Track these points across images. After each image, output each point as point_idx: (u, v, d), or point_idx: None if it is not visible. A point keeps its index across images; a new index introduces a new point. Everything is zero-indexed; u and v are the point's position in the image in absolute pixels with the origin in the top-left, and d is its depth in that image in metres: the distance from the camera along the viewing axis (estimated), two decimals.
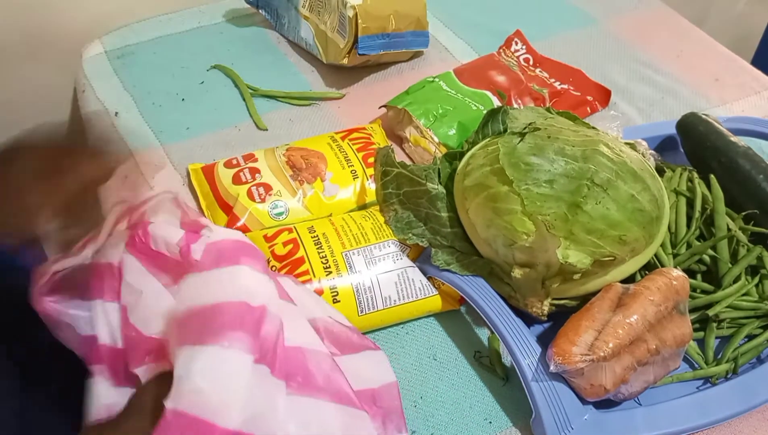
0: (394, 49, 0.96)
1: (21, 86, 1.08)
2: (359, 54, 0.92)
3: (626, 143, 0.69)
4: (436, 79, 0.92)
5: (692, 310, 0.67)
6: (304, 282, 0.64)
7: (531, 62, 1.01)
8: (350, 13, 0.90)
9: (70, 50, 1.04)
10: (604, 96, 0.97)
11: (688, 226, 0.72)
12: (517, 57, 1.02)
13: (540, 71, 1.00)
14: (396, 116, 0.89)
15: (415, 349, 0.67)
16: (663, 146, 0.88)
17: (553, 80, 0.98)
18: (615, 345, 0.56)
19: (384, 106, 0.89)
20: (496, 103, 0.90)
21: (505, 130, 0.69)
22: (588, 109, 0.95)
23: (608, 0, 1.18)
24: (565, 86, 0.97)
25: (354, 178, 0.77)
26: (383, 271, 0.66)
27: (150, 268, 0.54)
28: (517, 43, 1.04)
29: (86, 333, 0.55)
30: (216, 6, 1.12)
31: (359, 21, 0.89)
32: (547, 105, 0.91)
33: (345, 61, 0.94)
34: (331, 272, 0.65)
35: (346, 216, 0.72)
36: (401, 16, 0.95)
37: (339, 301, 0.64)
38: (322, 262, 0.66)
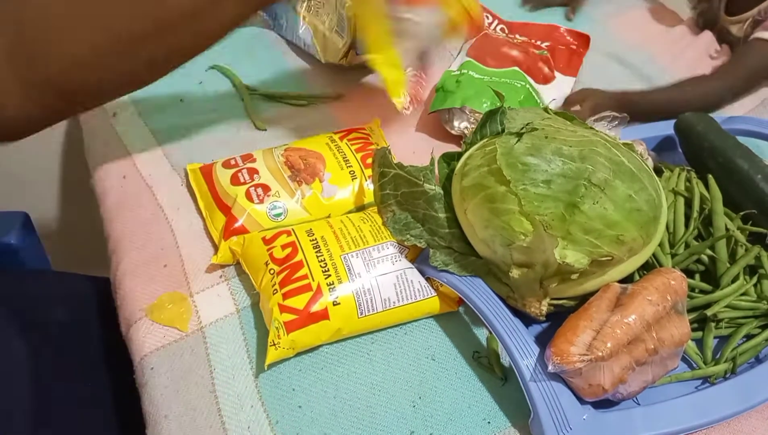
0: None
1: None
2: (358, 54, 0.92)
3: (624, 143, 0.69)
4: (464, 71, 0.91)
5: (691, 310, 0.67)
6: (303, 285, 0.64)
7: (507, 31, 1.04)
8: (349, 13, 0.90)
9: None
10: (584, 41, 1.00)
11: (687, 226, 0.72)
12: (496, 30, 1.04)
13: (520, 36, 1.02)
14: (443, 114, 0.90)
15: (413, 350, 0.67)
16: (661, 146, 0.88)
17: (538, 42, 1.00)
18: (613, 345, 0.56)
19: (432, 112, 0.89)
20: (528, 79, 0.91)
21: (503, 131, 0.69)
22: (580, 57, 0.99)
23: None
24: (549, 43, 1.00)
25: (353, 179, 0.77)
26: (382, 272, 0.66)
27: None
28: (488, 18, 1.06)
29: None
30: None
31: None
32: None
33: (343, 61, 0.94)
34: (330, 275, 0.65)
35: (344, 218, 0.72)
36: None
37: (339, 304, 0.64)
38: (320, 265, 0.66)
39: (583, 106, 0.93)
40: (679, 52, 1.09)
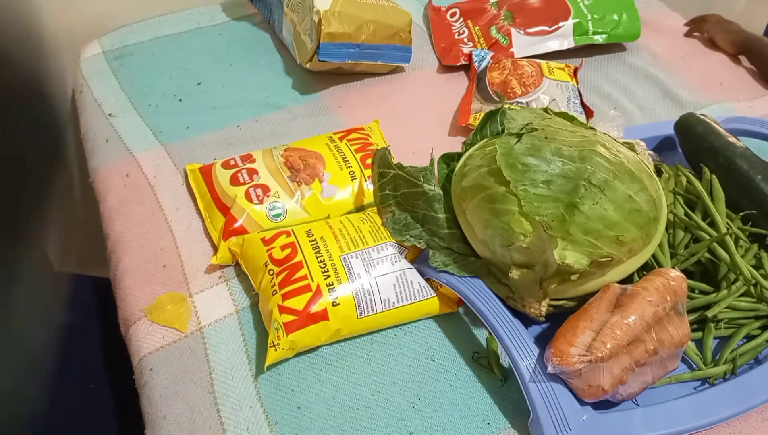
0: (365, 60, 0.94)
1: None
2: (319, 60, 0.90)
3: (624, 143, 0.69)
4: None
5: (691, 311, 0.67)
6: (302, 286, 0.64)
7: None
8: (316, 17, 0.89)
9: (68, 50, 1.04)
10: None
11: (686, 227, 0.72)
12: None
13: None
14: None
15: (413, 350, 0.67)
16: (661, 146, 0.88)
17: None
18: (613, 346, 0.56)
19: None
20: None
21: (503, 131, 0.68)
22: None
23: None
24: None
25: (352, 179, 0.77)
26: (381, 273, 0.66)
27: None
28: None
29: None
30: (215, 7, 1.12)
31: (322, 26, 0.88)
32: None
33: (308, 65, 0.93)
34: (329, 276, 0.65)
35: (344, 219, 0.72)
36: (379, 27, 0.92)
37: (338, 305, 0.64)
38: (320, 266, 0.66)
39: (711, 32, 1.09)
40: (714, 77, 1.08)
